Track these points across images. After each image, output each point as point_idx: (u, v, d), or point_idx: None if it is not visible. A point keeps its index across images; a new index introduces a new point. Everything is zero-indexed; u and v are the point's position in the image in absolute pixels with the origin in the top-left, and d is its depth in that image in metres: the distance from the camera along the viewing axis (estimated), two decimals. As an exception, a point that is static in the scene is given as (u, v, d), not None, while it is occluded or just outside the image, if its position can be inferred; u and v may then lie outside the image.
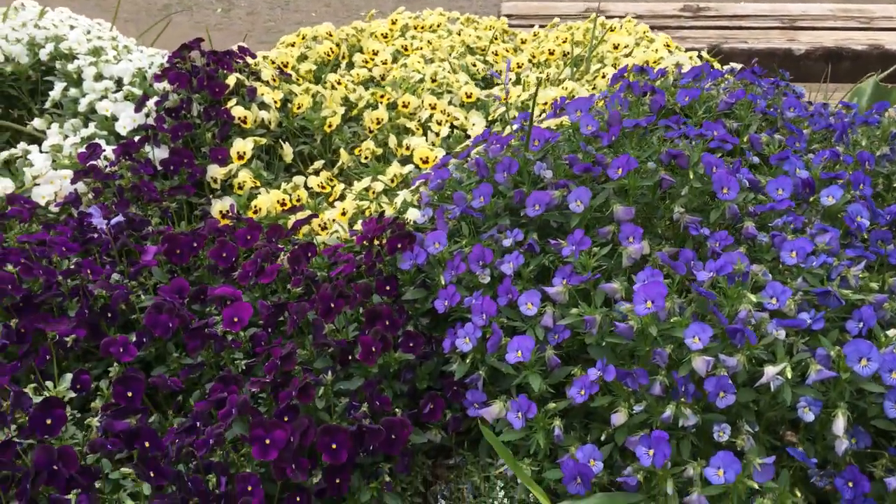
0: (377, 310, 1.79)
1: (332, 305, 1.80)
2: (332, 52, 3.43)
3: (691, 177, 1.95)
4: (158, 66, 2.93)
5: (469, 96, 2.83)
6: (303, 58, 3.36)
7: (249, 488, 1.59)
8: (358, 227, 2.20)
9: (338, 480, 1.67)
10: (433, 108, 2.75)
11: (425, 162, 2.45)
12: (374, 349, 1.73)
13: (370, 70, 3.30)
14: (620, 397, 1.66)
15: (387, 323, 1.77)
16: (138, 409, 1.63)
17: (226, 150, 2.60)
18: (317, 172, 2.67)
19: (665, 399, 1.60)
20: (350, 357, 1.79)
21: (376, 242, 2.03)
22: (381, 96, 2.89)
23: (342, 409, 1.78)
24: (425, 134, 2.71)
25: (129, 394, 1.71)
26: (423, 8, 7.31)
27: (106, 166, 2.44)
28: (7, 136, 2.90)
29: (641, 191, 1.98)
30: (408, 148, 2.63)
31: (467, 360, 1.82)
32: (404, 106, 2.76)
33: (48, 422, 1.56)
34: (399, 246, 1.91)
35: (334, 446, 1.64)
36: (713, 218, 1.94)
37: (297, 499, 1.63)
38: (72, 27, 3.14)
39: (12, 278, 1.83)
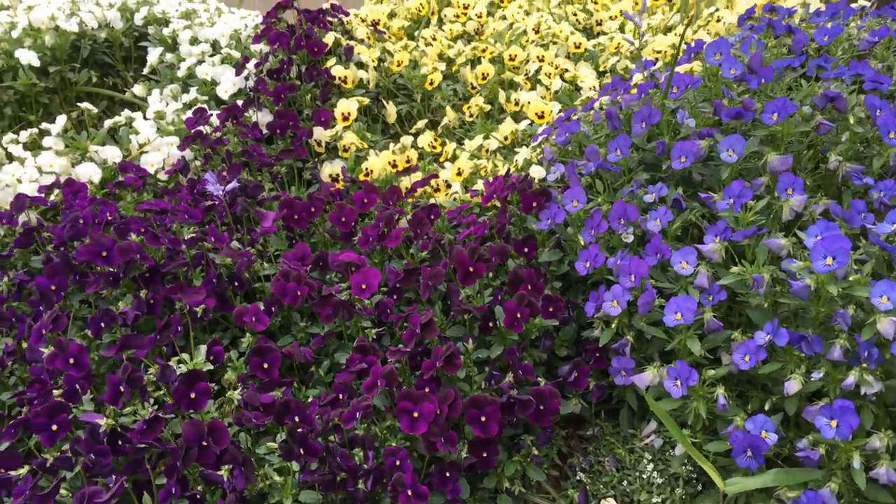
0: (519, 274, 1.69)
1: (471, 269, 1.70)
2: (422, 8, 3.29)
3: (851, 121, 1.78)
4: (253, 27, 2.85)
5: (577, 46, 2.67)
6: (392, 15, 3.23)
7: (398, 462, 1.52)
8: (478, 186, 2.09)
9: (485, 454, 1.59)
10: (541, 60, 2.61)
11: (541, 117, 2.32)
12: (519, 315, 1.63)
13: (463, 25, 3.16)
14: (791, 363, 1.53)
15: (529, 287, 1.67)
16: (282, 382, 1.57)
17: (328, 111, 2.51)
18: (419, 132, 2.57)
19: (845, 365, 1.47)
20: (491, 324, 1.70)
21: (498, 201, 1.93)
22: (483, 50, 2.75)
23: (482, 380, 1.69)
24: (534, 87, 2.58)
25: (266, 365, 1.65)
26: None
27: (211, 131, 2.38)
28: (104, 104, 2.87)
29: (793, 138, 1.82)
30: (516, 103, 2.50)
31: (613, 325, 1.70)
32: (511, 59, 2.62)
33: (192, 396, 1.50)
34: (534, 205, 1.80)
35: (483, 418, 1.55)
36: (877, 165, 1.77)
37: (447, 474, 1.55)
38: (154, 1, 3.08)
39: (139, 248, 1.78)
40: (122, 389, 1.52)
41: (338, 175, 2.30)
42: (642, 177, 1.88)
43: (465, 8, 3.30)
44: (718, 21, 2.79)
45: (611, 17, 3.10)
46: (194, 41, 2.76)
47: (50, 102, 2.73)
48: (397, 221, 1.98)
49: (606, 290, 1.69)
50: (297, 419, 1.47)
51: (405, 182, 2.22)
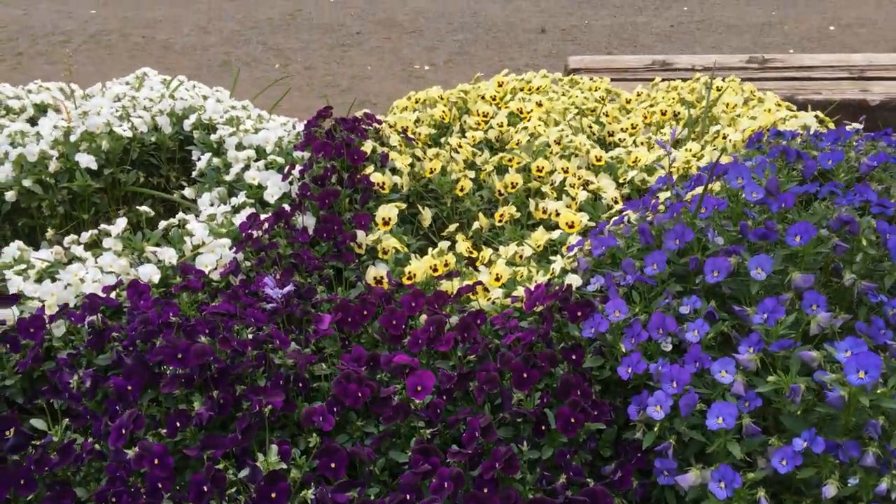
0: (570, 380, 1.83)
1: (525, 376, 1.84)
2: (445, 116, 3.53)
3: (864, 243, 1.98)
4: (294, 135, 3.05)
5: (598, 159, 2.89)
6: (418, 121, 3.46)
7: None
8: (518, 292, 2.25)
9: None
10: (565, 171, 2.82)
11: (571, 226, 2.50)
12: (573, 420, 1.76)
13: (485, 133, 3.39)
14: (826, 468, 1.66)
15: (579, 393, 1.81)
16: (355, 483, 1.67)
17: (369, 215, 2.68)
18: (451, 235, 2.74)
19: (876, 471, 1.61)
20: (543, 427, 1.83)
21: (541, 309, 2.09)
22: (510, 160, 2.96)
23: (534, 480, 1.81)
24: (559, 197, 2.77)
25: (333, 465, 1.76)
26: (478, 67, 7.48)
27: (261, 234, 2.53)
28: (148, 202, 3.03)
29: (813, 257, 2.00)
30: (544, 211, 2.69)
31: (655, 429, 1.84)
32: (538, 170, 2.83)
33: (273, 495, 1.61)
34: (579, 314, 1.96)
35: (544, 518, 1.66)
36: (888, 283, 1.96)
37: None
38: (205, 97, 3.29)
39: (212, 350, 1.91)
40: (206, 489, 1.62)
41: (382, 278, 2.45)
42: (675, 288, 2.05)
43: (485, 116, 3.55)
44: (724, 138, 3.04)
45: (622, 130, 3.35)
46: (240, 147, 2.95)
47: (100, 202, 2.88)
48: (446, 326, 2.12)
49: (649, 394, 1.83)
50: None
51: (447, 286, 2.37)
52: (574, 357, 1.90)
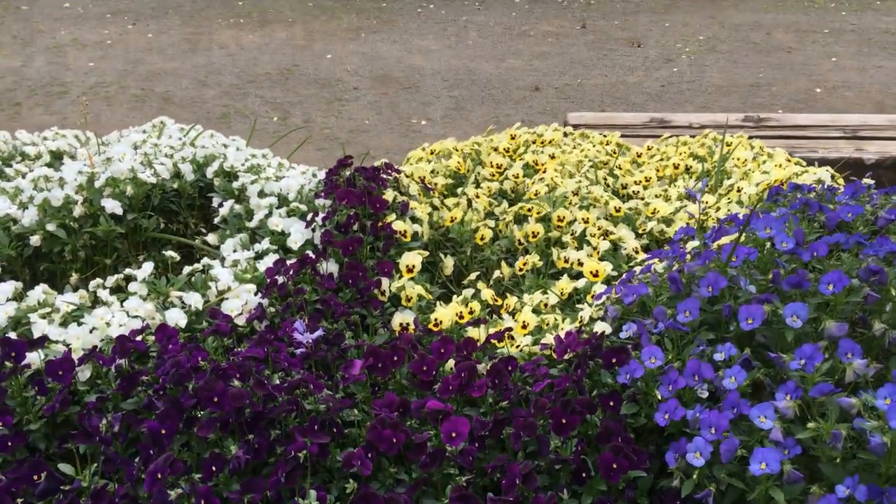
0: (610, 427, 1.83)
1: (564, 422, 1.83)
2: (461, 167, 3.58)
3: (893, 293, 2.01)
4: (316, 183, 3.08)
5: (617, 210, 2.93)
6: (434, 172, 3.51)
7: None
8: (547, 339, 2.26)
9: None
10: (586, 221, 2.86)
11: (595, 275, 2.53)
12: (615, 466, 1.75)
13: (501, 184, 3.44)
14: (869, 516, 1.66)
15: (620, 440, 1.80)
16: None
17: (391, 263, 2.70)
18: (471, 283, 2.76)
19: (921, 518, 1.61)
20: (584, 475, 1.82)
21: (572, 356, 2.09)
22: (529, 210, 3.00)
23: (574, 528, 1.79)
24: (580, 247, 2.81)
25: (371, 511, 1.74)
26: (475, 122, 7.61)
27: (286, 280, 2.54)
28: (168, 248, 3.03)
29: (844, 306, 2.03)
30: (566, 261, 2.72)
31: (694, 476, 1.83)
32: (559, 220, 2.87)
33: (315, 540, 1.58)
34: (614, 361, 1.97)
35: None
36: (918, 333, 1.99)
37: None
38: (225, 146, 3.33)
39: (248, 394, 1.90)
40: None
41: (408, 324, 2.45)
42: (706, 336, 2.07)
43: (499, 168, 3.60)
44: (738, 192, 3.10)
45: (636, 182, 3.40)
46: (262, 194, 2.98)
47: (121, 247, 2.89)
48: (477, 372, 2.12)
49: (688, 441, 1.83)
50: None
51: (473, 333, 2.38)
52: (612, 403, 1.90)
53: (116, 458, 1.90)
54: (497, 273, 2.82)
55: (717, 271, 2.09)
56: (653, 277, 2.32)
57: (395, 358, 2.21)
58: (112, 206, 2.73)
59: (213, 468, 1.80)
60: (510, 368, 2.14)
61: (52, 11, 11.26)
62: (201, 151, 3.20)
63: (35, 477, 1.86)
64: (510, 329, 2.30)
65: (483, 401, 2.13)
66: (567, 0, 12.21)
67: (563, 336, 2.19)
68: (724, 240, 2.38)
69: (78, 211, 2.72)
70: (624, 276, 2.36)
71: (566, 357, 2.16)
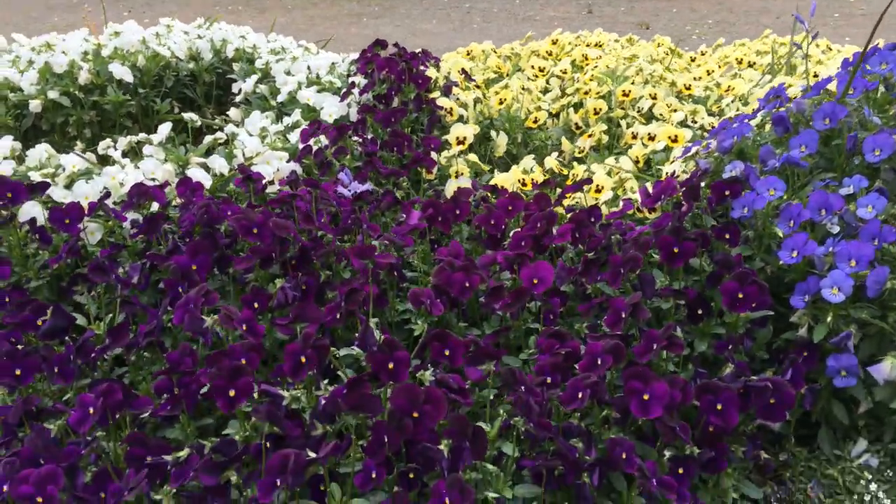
0: (729, 258, 1.52)
1: (676, 251, 1.53)
2: (501, 68, 3.28)
3: None
4: (349, 62, 2.77)
5: (687, 88, 2.63)
6: (472, 70, 3.21)
7: (624, 455, 1.28)
8: (633, 196, 1.96)
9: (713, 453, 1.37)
10: (653, 97, 2.55)
11: (674, 140, 2.23)
12: (741, 296, 1.45)
13: (547, 81, 3.13)
14: None
15: (740, 272, 1.50)
16: (493, 353, 1.35)
17: (437, 139, 2.39)
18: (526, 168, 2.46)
19: None
20: (699, 312, 1.51)
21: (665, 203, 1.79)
22: (586, 92, 2.70)
23: (688, 377, 1.49)
24: (648, 123, 2.51)
25: (447, 352, 1.43)
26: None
27: (323, 146, 2.23)
28: (183, 136, 2.72)
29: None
30: (634, 136, 2.42)
31: (828, 319, 1.52)
32: (624, 94, 2.56)
33: (390, 366, 1.27)
34: (727, 193, 1.66)
35: (720, 406, 1.34)
36: None
37: (680, 470, 1.32)
38: (243, 37, 3.01)
39: (293, 226, 1.59)
40: (304, 360, 1.29)
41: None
42: (821, 177, 1.77)
43: (541, 70, 3.30)
44: (816, 76, 2.80)
45: (696, 78, 3.10)
46: (287, 73, 2.67)
47: (131, 126, 2.57)
48: (554, 224, 1.82)
49: (816, 280, 1.53)
50: (523, 389, 1.25)
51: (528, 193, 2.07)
52: (728, 236, 1.60)
53: (137, 301, 1.58)
54: (553, 155, 2.51)
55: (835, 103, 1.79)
56: (746, 127, 2.02)
57: (458, 211, 1.90)
58: (121, 72, 2.42)
59: (256, 305, 1.49)
60: (593, 220, 1.83)
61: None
62: (219, 34, 2.88)
63: (38, 322, 1.54)
64: (589, 180, 1.99)
65: (564, 257, 1.83)
66: None
67: (649, 188, 1.89)
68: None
69: (83, 77, 2.40)
70: (717, 125, 2.05)
71: (658, 206, 1.86)
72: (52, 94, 2.37)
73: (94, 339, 1.53)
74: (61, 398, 1.48)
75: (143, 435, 1.27)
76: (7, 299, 1.72)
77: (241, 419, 1.35)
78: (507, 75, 3.33)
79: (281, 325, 1.40)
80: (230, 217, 1.58)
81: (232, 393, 1.23)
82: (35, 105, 2.34)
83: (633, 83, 2.67)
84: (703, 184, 1.79)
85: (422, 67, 2.71)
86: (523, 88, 2.77)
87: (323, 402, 1.29)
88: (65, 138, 2.48)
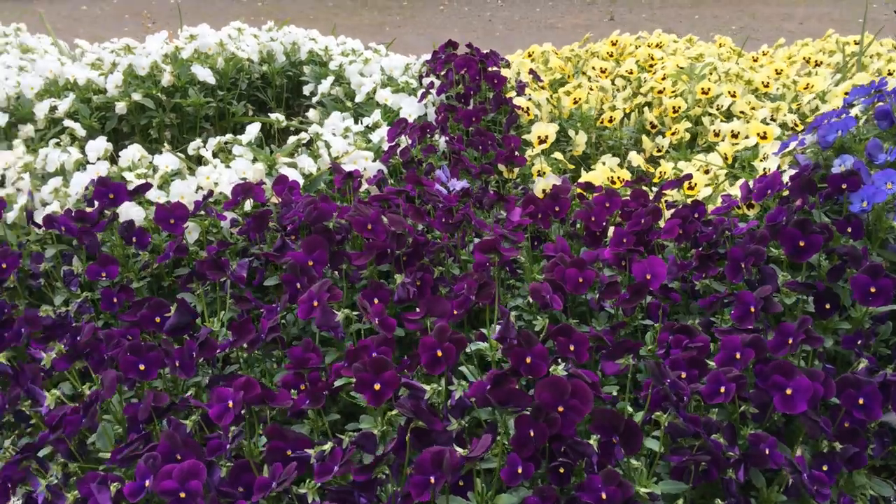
0: (855, 252, 1.50)
1: (802, 244, 1.50)
2: (563, 69, 3.27)
3: None
4: (422, 64, 2.77)
5: (766, 85, 2.61)
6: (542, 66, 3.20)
7: (767, 451, 1.26)
8: (733, 191, 1.94)
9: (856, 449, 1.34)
10: (733, 95, 2.53)
11: (763, 137, 2.20)
12: (872, 290, 1.42)
13: (612, 81, 3.11)
14: None
15: (872, 266, 1.47)
16: (630, 347, 1.33)
17: (517, 138, 2.38)
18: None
19: None
20: (827, 306, 1.49)
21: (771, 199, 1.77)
22: (660, 91, 2.68)
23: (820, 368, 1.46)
24: (728, 121, 2.48)
25: (572, 347, 1.42)
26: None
27: (408, 145, 2.23)
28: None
29: None
30: (716, 134, 2.39)
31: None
32: (704, 92, 2.54)
33: (528, 360, 1.26)
34: (844, 186, 1.63)
35: (861, 401, 1.31)
36: None
37: (824, 466, 1.29)
38: (313, 39, 3.02)
39: (404, 221, 1.58)
40: (440, 354, 1.28)
41: (550, 190, 2.13)
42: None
43: (603, 71, 3.28)
44: (891, 74, 2.76)
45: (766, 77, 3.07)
46: (361, 74, 2.67)
47: (209, 128, 2.58)
48: (658, 220, 1.80)
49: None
50: (668, 382, 1.23)
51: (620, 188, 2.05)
52: (850, 230, 1.57)
53: (251, 298, 1.58)
54: (631, 154, 2.49)
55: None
56: (851, 121, 1.99)
57: (557, 208, 1.89)
58: (204, 74, 2.43)
59: (375, 299, 1.48)
60: (697, 215, 1.81)
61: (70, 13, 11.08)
62: (288, 37, 2.89)
63: (157, 319, 1.54)
64: (689, 176, 1.97)
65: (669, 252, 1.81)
66: None
67: (751, 183, 1.86)
68: None
69: (166, 79, 2.41)
70: (814, 120, 2.02)
71: (759, 203, 1.83)
72: (136, 97, 2.38)
73: (212, 335, 1.53)
74: (183, 394, 1.48)
75: (283, 428, 1.26)
76: (115, 299, 1.73)
77: (373, 413, 1.34)
78: (570, 76, 3.32)
79: (410, 319, 1.38)
80: (345, 214, 1.57)
81: (377, 387, 1.22)
82: (121, 107, 2.36)
83: (712, 81, 2.64)
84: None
85: (494, 68, 2.70)
86: (600, 88, 2.76)
87: (457, 396, 1.29)
88: (145, 140, 2.50)
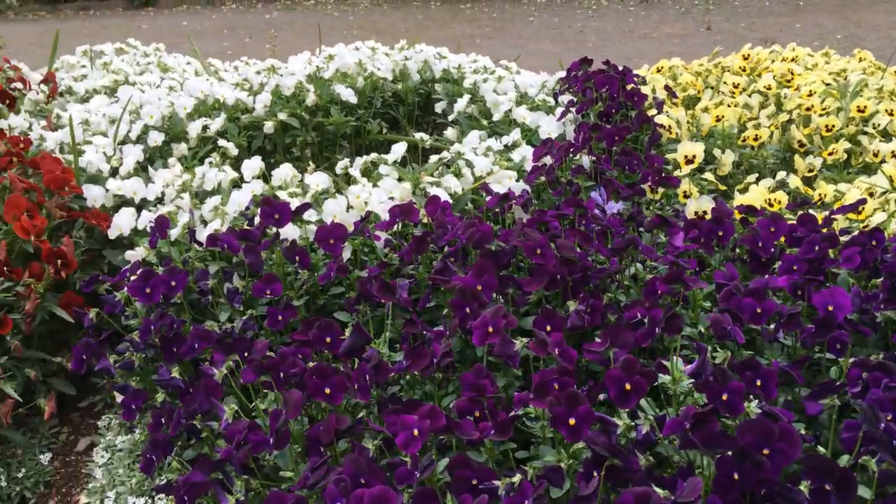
0: None
1: None
2: (695, 85, 3.18)
3: None
4: (555, 81, 2.75)
5: (927, 102, 2.46)
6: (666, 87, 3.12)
7: None
8: (907, 217, 1.82)
9: None
10: (891, 113, 2.40)
11: (936, 158, 2.07)
12: None
13: (749, 96, 3.00)
14: None
15: None
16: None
17: (660, 157, 2.32)
18: (746, 187, 2.34)
19: None
20: None
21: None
22: (807, 108, 2.57)
23: None
24: (887, 140, 2.35)
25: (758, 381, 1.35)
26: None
27: (552, 163, 2.20)
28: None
29: None
30: (875, 154, 2.27)
31: None
32: (859, 110, 2.42)
33: (724, 397, 1.21)
34: None
35: None
36: None
37: None
38: (440, 55, 3.05)
39: (573, 247, 1.55)
40: (629, 387, 1.24)
41: (705, 211, 2.06)
42: None
43: (735, 86, 3.18)
44: None
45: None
46: (496, 92, 2.66)
47: (347, 146, 2.63)
48: (834, 246, 1.71)
49: None
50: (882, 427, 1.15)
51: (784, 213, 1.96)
52: None
53: (418, 321, 1.58)
54: (780, 174, 2.39)
55: None
56: None
57: (721, 232, 1.82)
58: (347, 94, 2.47)
59: (548, 327, 1.46)
60: (875, 242, 1.71)
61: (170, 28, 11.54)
62: (420, 55, 2.92)
63: (327, 339, 1.56)
64: (864, 201, 1.87)
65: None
66: (685, 5, 11.66)
67: (932, 209, 1.75)
68: None
69: (311, 99, 2.47)
70: None
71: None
72: (282, 116, 2.45)
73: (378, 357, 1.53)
74: (356, 415, 1.49)
75: (468, 457, 1.25)
76: (280, 317, 1.77)
77: (543, 438, 1.32)
78: (700, 92, 3.23)
79: (591, 350, 1.35)
80: (506, 236, 1.56)
81: (572, 422, 1.19)
82: (269, 126, 2.43)
83: (868, 99, 2.52)
84: None
85: (632, 85, 2.65)
86: (744, 105, 2.67)
87: (644, 431, 1.24)
88: (286, 158, 2.56)
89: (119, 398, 2.12)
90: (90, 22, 12.66)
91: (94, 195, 2.16)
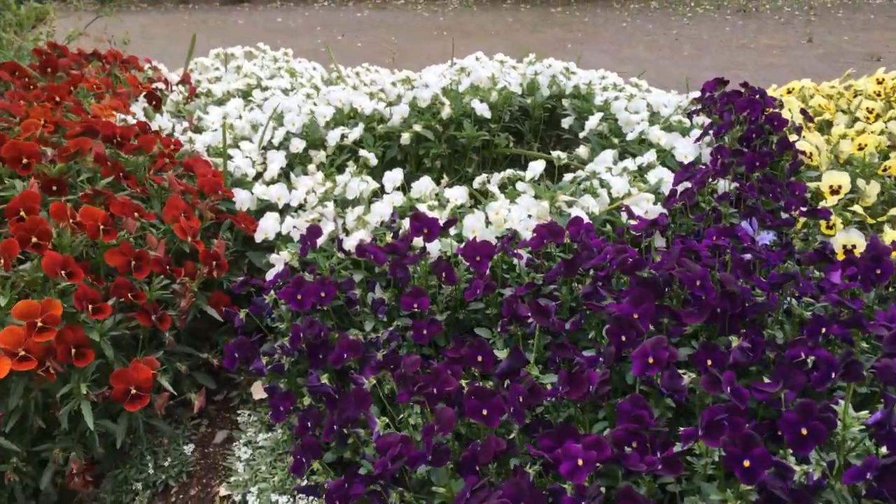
0: None
1: None
2: (827, 109, 3.08)
3: None
4: (689, 101, 2.71)
5: None
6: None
7: None
8: None
9: None
10: None
11: None
12: None
13: (885, 123, 2.89)
14: None
15: None
16: None
17: (802, 184, 2.25)
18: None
19: None
20: None
21: None
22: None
23: None
24: None
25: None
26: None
27: (692, 188, 2.17)
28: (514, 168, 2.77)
29: None
30: None
31: None
32: None
33: None
34: None
35: None
36: None
37: None
38: (567, 69, 3.04)
39: (732, 279, 1.53)
40: (805, 432, 1.22)
41: (853, 246, 2.00)
42: None
43: (869, 111, 3.06)
44: None
45: None
46: (628, 111, 2.64)
47: (476, 159, 2.66)
48: None
49: None
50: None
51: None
52: None
53: (569, 345, 1.59)
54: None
55: None
56: None
57: (879, 270, 1.76)
58: (482, 108, 2.50)
59: (708, 361, 1.44)
60: None
61: (265, 24, 11.80)
62: (549, 70, 2.92)
63: (479, 358, 1.59)
64: None
65: None
66: (784, 17, 11.23)
67: None
68: None
69: (446, 112, 2.51)
70: None
71: None
72: (417, 128, 2.49)
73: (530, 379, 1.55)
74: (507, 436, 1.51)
75: (634, 491, 1.25)
76: (425, 331, 1.81)
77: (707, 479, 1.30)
78: (833, 115, 3.13)
79: (761, 390, 1.33)
80: (677, 270, 1.55)
81: (747, 463, 1.18)
82: (405, 138, 2.48)
83: None
84: None
85: (771, 103, 2.58)
86: (890, 133, 2.57)
87: (815, 477, 1.22)
88: (418, 169, 2.60)
89: (256, 395, 2.21)
90: (189, 15, 13.12)
91: (242, 199, 2.25)
